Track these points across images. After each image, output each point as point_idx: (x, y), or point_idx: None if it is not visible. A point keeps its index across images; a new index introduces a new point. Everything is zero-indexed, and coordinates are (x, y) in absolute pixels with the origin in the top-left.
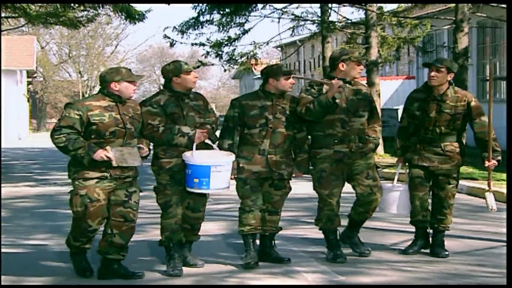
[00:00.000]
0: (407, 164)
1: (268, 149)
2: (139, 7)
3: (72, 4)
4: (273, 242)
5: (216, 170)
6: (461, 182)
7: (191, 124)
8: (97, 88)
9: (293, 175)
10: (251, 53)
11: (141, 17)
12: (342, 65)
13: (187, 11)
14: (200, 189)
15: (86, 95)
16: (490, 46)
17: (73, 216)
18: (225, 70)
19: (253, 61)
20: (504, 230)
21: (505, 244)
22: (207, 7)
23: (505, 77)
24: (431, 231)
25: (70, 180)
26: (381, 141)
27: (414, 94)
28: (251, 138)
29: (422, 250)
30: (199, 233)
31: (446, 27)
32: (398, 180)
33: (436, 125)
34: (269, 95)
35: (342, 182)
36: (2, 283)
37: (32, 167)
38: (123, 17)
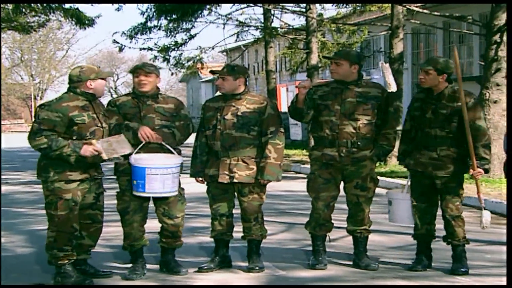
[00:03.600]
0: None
1: (220, 152)
2: (88, 12)
3: (23, 10)
4: (257, 248)
5: (151, 172)
6: (396, 180)
7: (147, 125)
8: (50, 91)
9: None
10: (197, 57)
11: (90, 22)
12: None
13: (136, 17)
14: (137, 191)
15: (38, 98)
16: (424, 51)
17: (56, 221)
18: (172, 74)
19: (199, 65)
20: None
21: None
22: (155, 13)
23: None
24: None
25: (43, 182)
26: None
27: (416, 95)
28: (207, 140)
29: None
30: (181, 239)
31: (382, 33)
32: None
33: (431, 127)
34: (225, 96)
35: (334, 187)
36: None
37: None
38: (73, 22)
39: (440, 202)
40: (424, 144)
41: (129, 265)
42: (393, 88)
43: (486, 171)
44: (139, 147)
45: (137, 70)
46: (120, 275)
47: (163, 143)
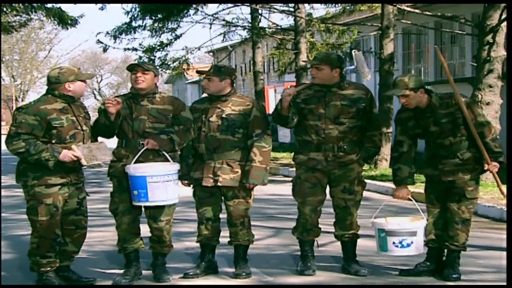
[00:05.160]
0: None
1: (205, 154)
2: (71, 12)
3: (4, 9)
4: (244, 254)
5: (153, 180)
6: (386, 184)
7: (138, 128)
8: (32, 92)
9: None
10: (183, 58)
11: (73, 22)
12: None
13: (120, 16)
14: (139, 201)
15: (20, 100)
16: (415, 52)
17: (38, 227)
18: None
19: (185, 66)
20: None
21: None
22: (139, 13)
23: (430, 82)
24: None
25: (22, 186)
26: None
27: (403, 115)
28: (193, 143)
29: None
30: (170, 245)
31: (372, 33)
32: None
33: (443, 137)
34: (211, 98)
35: (320, 191)
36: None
37: None
38: (55, 22)
39: (450, 204)
40: (442, 154)
41: (114, 271)
42: (368, 76)
43: (501, 163)
44: (138, 154)
45: (135, 66)
46: (106, 279)
47: (160, 150)
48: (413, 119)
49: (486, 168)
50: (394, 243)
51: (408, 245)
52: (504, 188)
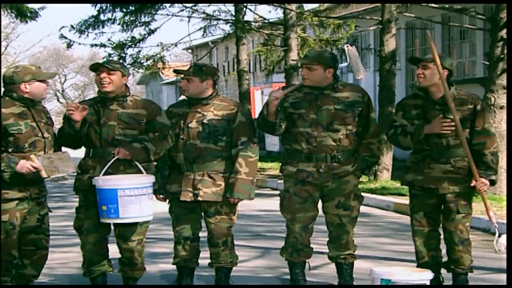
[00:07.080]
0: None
1: (183, 165)
2: (31, 3)
3: None
4: (226, 278)
5: (125, 194)
6: (388, 198)
7: (106, 135)
8: None
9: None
10: (158, 55)
11: (33, 15)
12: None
13: (86, 9)
14: (109, 218)
15: None
16: (420, 49)
17: None
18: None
19: (160, 65)
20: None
21: None
22: (108, 5)
23: None
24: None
25: None
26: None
27: (409, 101)
28: (170, 152)
29: None
30: (142, 268)
31: (372, 28)
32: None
33: (441, 136)
34: (190, 101)
35: (312, 207)
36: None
37: None
38: (13, 15)
39: (445, 223)
40: (433, 156)
41: None
42: (361, 74)
43: (493, 182)
44: (108, 164)
45: (99, 66)
46: None
47: (133, 160)
48: (419, 108)
49: (473, 184)
50: None
51: None
52: (493, 215)
